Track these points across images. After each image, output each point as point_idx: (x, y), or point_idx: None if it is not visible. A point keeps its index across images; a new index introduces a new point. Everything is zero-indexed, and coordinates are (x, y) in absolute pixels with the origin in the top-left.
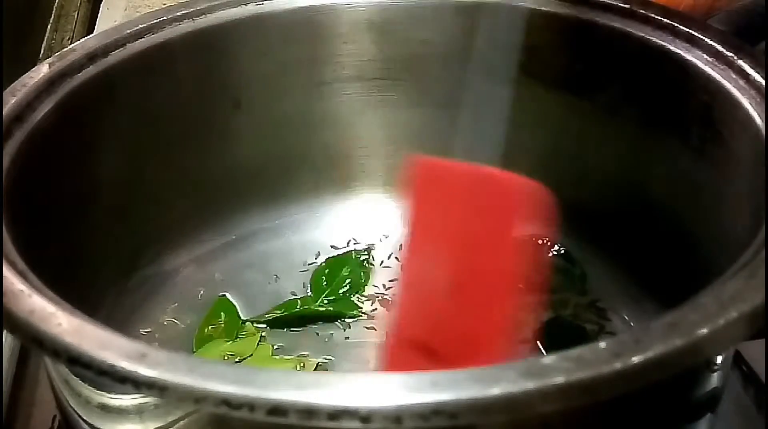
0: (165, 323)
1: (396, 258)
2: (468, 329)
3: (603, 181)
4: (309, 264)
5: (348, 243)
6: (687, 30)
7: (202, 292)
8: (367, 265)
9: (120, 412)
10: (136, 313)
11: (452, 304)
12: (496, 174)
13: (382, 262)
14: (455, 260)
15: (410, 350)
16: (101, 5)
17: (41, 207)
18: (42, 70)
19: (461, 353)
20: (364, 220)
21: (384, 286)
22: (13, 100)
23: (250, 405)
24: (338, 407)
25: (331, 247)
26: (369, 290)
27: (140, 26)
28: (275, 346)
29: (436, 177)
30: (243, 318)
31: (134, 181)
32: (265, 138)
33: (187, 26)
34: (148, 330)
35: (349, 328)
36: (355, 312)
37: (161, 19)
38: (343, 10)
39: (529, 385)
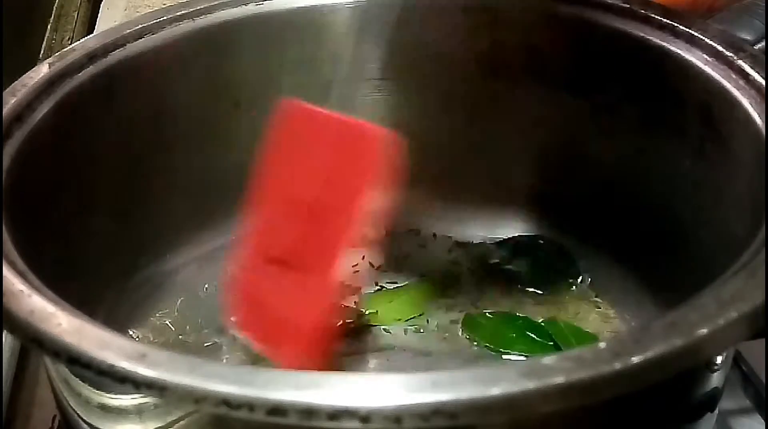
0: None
1: None
2: (316, 248)
3: (603, 181)
4: None
5: None
6: (687, 30)
7: (202, 292)
8: None
9: (120, 412)
10: (136, 312)
11: (304, 229)
12: (355, 123)
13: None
14: (311, 193)
15: (265, 264)
16: (101, 5)
17: (41, 207)
18: (42, 70)
19: (308, 267)
20: None
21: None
22: (13, 100)
23: (250, 405)
24: (338, 407)
25: None
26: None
27: (140, 26)
28: None
29: (303, 120)
30: None
31: (134, 181)
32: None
33: (187, 26)
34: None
35: None
36: None
37: (161, 19)
38: (343, 10)
39: (529, 385)
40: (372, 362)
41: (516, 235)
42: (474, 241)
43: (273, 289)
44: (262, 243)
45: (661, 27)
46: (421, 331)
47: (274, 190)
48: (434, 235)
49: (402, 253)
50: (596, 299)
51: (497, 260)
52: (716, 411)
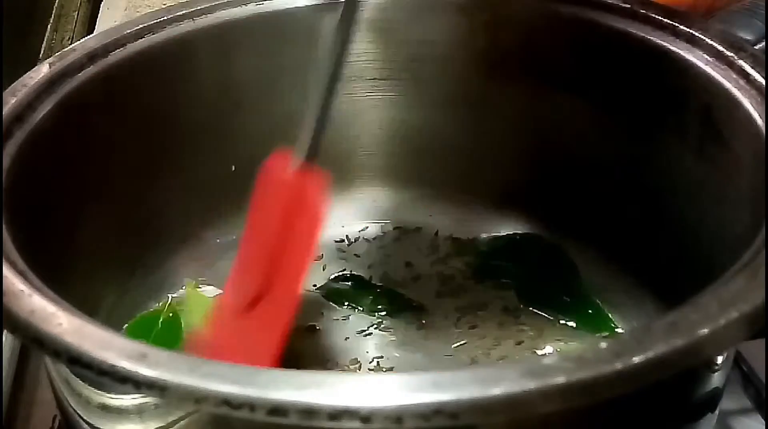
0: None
1: None
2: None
3: (603, 181)
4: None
5: (355, 240)
6: (687, 30)
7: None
8: None
9: (120, 412)
10: (136, 312)
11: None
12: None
13: None
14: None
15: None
16: (101, 5)
17: (41, 207)
18: (42, 70)
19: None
20: (365, 220)
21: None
22: (13, 100)
23: (251, 405)
24: (338, 407)
25: (335, 242)
26: None
27: (140, 26)
28: None
29: (268, 173)
30: None
31: (134, 181)
32: (265, 138)
33: (187, 26)
34: None
35: None
36: None
37: (161, 19)
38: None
39: (530, 385)
40: (372, 362)
41: (512, 232)
42: (469, 238)
43: (233, 338)
44: (230, 294)
45: (662, 27)
46: (420, 329)
47: (247, 244)
48: (436, 233)
49: (401, 252)
50: (596, 300)
51: (498, 261)
52: (716, 411)
